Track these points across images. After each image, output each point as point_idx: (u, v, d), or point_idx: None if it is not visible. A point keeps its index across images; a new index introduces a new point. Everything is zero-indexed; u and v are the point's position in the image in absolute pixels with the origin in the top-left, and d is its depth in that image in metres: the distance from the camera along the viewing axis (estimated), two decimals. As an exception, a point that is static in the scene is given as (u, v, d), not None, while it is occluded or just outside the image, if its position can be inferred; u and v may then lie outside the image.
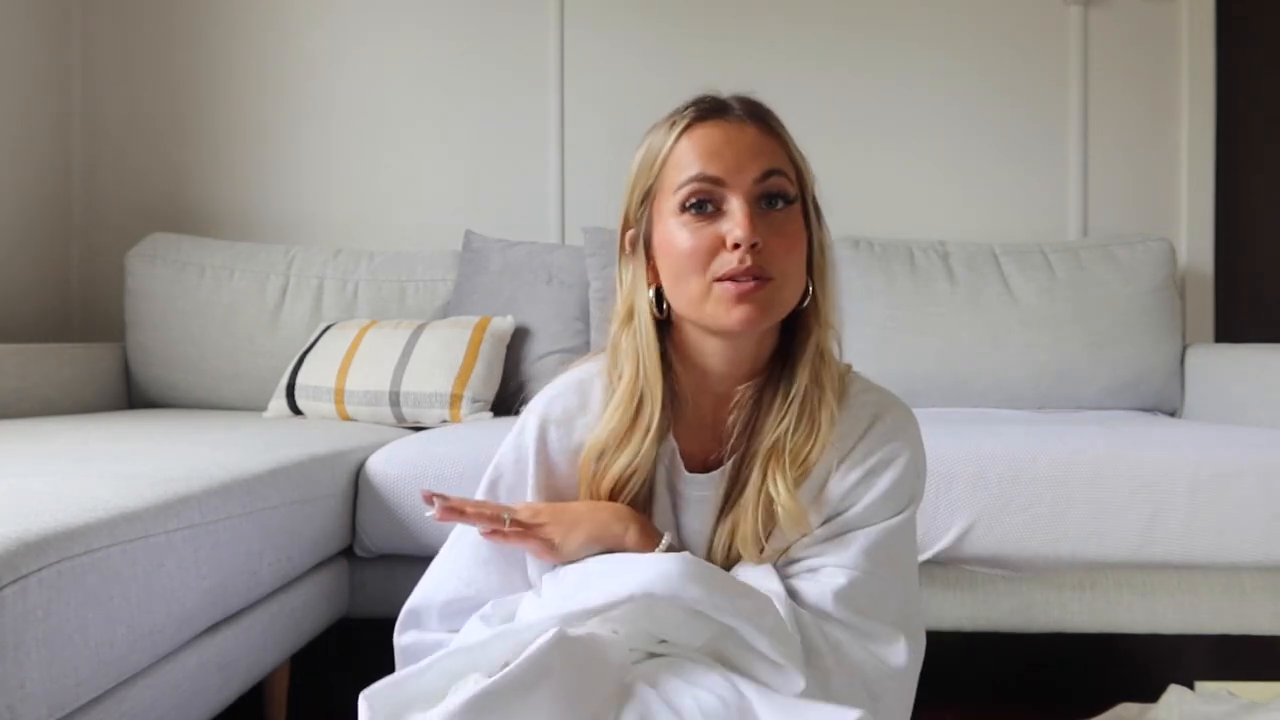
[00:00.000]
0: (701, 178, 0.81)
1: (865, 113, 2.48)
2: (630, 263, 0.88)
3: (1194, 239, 2.44)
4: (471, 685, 0.66)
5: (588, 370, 0.93)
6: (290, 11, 2.52)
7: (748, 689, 0.71)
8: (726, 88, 0.87)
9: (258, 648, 1.22)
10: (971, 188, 2.48)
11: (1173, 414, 2.11)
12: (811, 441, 0.84)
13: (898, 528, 0.86)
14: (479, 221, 2.38)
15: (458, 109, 2.52)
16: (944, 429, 1.52)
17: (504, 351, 2.01)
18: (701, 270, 0.81)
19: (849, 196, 2.42)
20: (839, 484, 0.85)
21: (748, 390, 0.87)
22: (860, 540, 0.84)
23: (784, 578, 0.84)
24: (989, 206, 2.47)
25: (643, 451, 0.85)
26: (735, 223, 0.79)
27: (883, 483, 0.85)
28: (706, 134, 0.82)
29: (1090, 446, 1.47)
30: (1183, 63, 2.44)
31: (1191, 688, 1.50)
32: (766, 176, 0.81)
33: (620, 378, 0.88)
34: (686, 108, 0.85)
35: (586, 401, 0.90)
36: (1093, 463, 1.43)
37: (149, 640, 0.95)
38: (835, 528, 0.85)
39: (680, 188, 0.82)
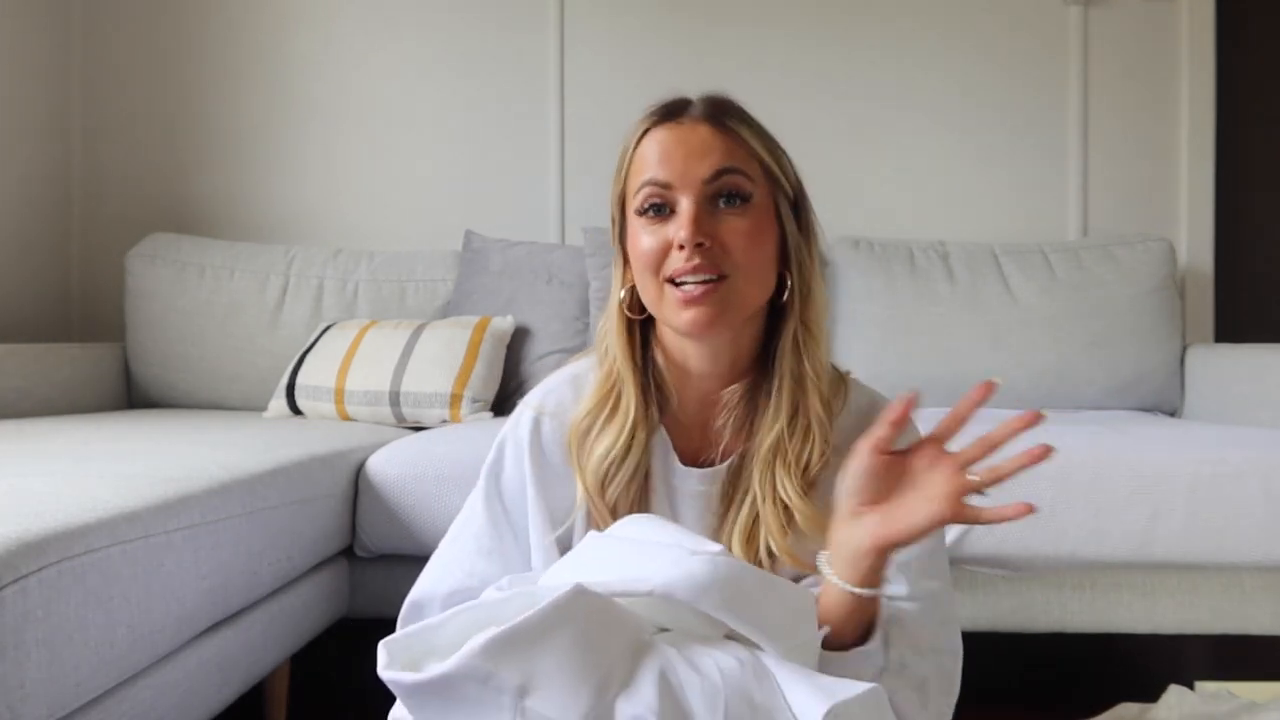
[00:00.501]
0: (652, 182, 0.83)
1: (865, 113, 2.48)
2: (616, 262, 0.91)
3: (1194, 239, 2.44)
4: (490, 632, 0.66)
5: (581, 366, 0.95)
6: (290, 12, 2.52)
7: (764, 656, 0.71)
8: (727, 89, 0.88)
9: (258, 648, 1.22)
10: (971, 188, 2.48)
11: (1173, 414, 2.11)
12: (810, 444, 0.84)
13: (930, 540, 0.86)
14: (479, 221, 2.38)
15: (458, 109, 2.52)
16: (944, 429, 1.52)
17: (504, 351, 2.01)
18: (655, 271, 0.83)
19: (849, 197, 2.43)
20: None
21: (735, 393, 0.88)
22: (911, 566, 0.84)
23: None
24: (989, 206, 2.47)
25: (623, 439, 0.86)
26: (680, 224, 0.81)
27: None
28: (660, 138, 0.85)
29: (1090, 446, 1.47)
30: (1183, 63, 2.44)
31: (1191, 688, 1.50)
32: (718, 176, 0.82)
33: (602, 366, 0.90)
34: (649, 112, 0.87)
35: (580, 395, 0.91)
36: (1093, 463, 1.43)
37: (149, 640, 0.95)
38: None
39: (637, 192, 0.85)
